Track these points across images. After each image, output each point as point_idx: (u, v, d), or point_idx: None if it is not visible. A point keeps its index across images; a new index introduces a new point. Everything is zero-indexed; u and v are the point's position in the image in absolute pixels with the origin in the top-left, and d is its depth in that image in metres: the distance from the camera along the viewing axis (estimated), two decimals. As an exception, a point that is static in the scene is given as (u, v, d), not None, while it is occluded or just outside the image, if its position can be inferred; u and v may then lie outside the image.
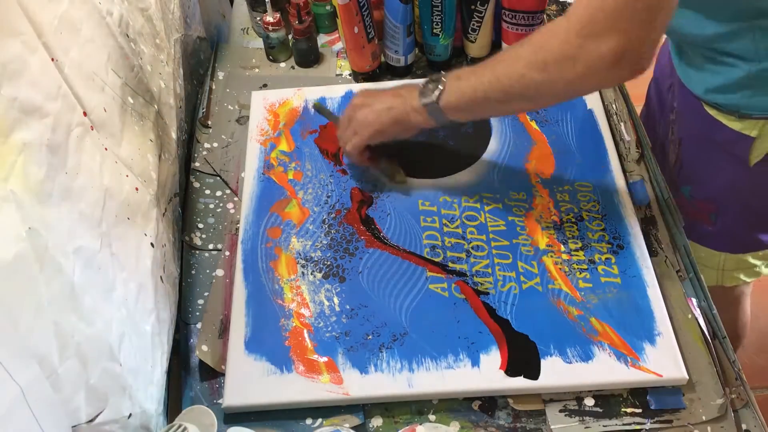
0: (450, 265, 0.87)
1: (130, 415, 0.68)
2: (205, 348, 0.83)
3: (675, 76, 0.98)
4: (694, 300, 0.84)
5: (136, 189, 0.76)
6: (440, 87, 0.82)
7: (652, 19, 0.67)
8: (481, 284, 0.85)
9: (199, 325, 0.85)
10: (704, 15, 0.83)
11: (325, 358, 0.80)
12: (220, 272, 0.90)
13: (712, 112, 0.91)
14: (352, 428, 0.76)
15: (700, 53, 0.89)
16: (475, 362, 0.79)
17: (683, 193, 1.02)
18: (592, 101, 1.04)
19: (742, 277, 1.10)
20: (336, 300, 0.85)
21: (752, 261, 1.07)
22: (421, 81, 0.85)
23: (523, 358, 0.79)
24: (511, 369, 0.78)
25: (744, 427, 0.75)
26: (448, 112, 0.83)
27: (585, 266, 0.86)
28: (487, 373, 0.78)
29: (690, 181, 1.01)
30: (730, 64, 0.85)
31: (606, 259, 0.87)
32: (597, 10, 0.68)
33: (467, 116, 0.86)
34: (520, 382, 0.77)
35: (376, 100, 0.89)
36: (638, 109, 1.10)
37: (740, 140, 0.90)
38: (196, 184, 1.00)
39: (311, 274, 0.88)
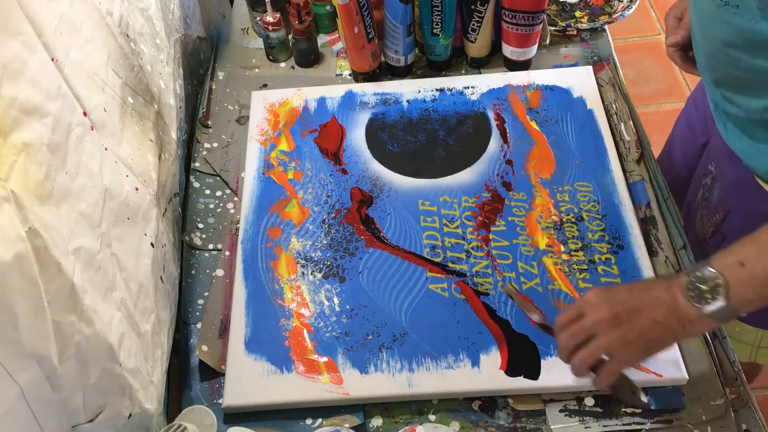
0: (450, 265, 0.87)
1: (130, 415, 0.68)
2: (205, 348, 0.83)
3: (716, 139, 0.90)
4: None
5: (136, 189, 0.76)
6: (719, 283, 0.65)
7: None
8: (481, 285, 0.85)
9: (199, 325, 0.85)
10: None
11: (325, 358, 0.80)
12: (220, 272, 0.90)
13: (766, 186, 0.82)
14: (352, 428, 0.76)
15: (762, 125, 0.79)
16: (475, 362, 0.79)
17: None
18: (592, 101, 1.04)
19: None
20: (336, 300, 0.85)
21: None
22: (676, 277, 0.68)
23: (523, 358, 0.79)
24: (511, 369, 0.78)
25: (744, 427, 0.75)
26: (741, 309, 0.66)
27: (585, 266, 0.86)
28: (487, 373, 0.78)
29: None
30: None
31: (606, 259, 0.87)
32: None
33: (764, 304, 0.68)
34: (520, 382, 0.77)
35: (633, 314, 0.69)
36: (639, 109, 1.09)
37: None
38: (196, 184, 1.00)
39: (311, 274, 0.88)
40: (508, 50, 1.09)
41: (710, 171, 0.95)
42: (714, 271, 0.65)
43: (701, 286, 0.66)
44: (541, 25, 1.06)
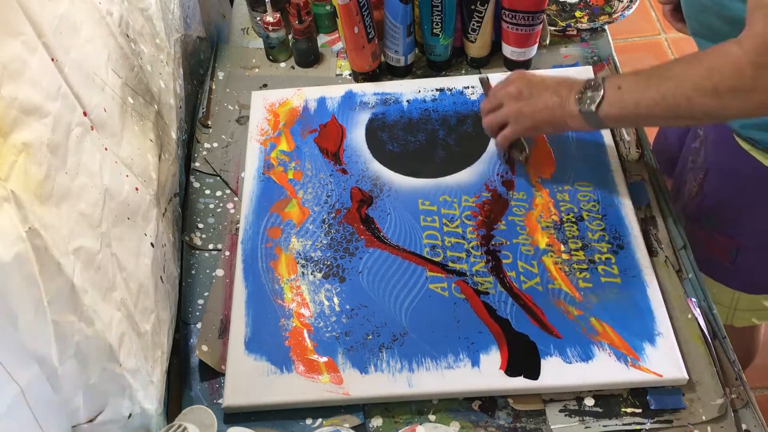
0: (450, 264, 0.87)
1: (130, 415, 0.68)
2: (205, 348, 0.83)
3: None
4: (694, 300, 0.84)
5: (136, 189, 0.76)
6: (600, 95, 0.80)
7: None
8: (481, 284, 0.85)
9: (199, 325, 0.85)
10: None
11: (325, 358, 0.80)
12: (220, 272, 0.90)
13: (746, 146, 0.88)
14: (352, 428, 0.76)
15: None
16: (475, 362, 0.79)
17: (705, 225, 0.99)
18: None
19: (753, 319, 1.06)
20: (336, 300, 0.85)
21: (766, 304, 1.03)
22: (579, 81, 0.83)
23: (523, 358, 0.79)
24: (511, 369, 0.78)
25: (744, 427, 0.75)
26: (605, 122, 0.82)
27: (585, 266, 0.86)
28: (487, 373, 0.78)
29: (714, 214, 0.97)
30: None
31: (606, 259, 0.87)
32: None
33: (624, 126, 0.90)
34: (520, 382, 0.77)
35: (534, 93, 0.87)
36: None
37: None
38: (196, 184, 1.00)
39: (311, 274, 0.88)
40: (508, 50, 1.09)
41: (699, 134, 0.98)
42: (600, 83, 0.80)
43: (587, 91, 0.81)
44: (541, 25, 1.06)
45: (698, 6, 0.82)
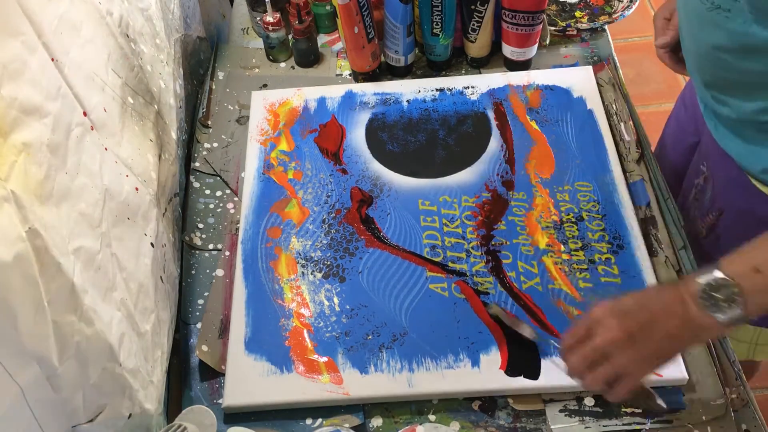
0: (450, 264, 0.87)
1: (130, 415, 0.68)
2: (205, 348, 0.83)
3: (707, 139, 0.90)
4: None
5: (136, 189, 0.76)
6: (733, 291, 0.63)
7: None
8: (481, 284, 0.85)
9: (199, 325, 0.85)
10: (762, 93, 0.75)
11: (325, 358, 0.80)
12: (220, 272, 0.90)
13: (761, 188, 0.82)
14: (352, 428, 0.76)
15: (754, 127, 0.79)
16: (475, 362, 0.79)
17: None
18: (592, 101, 1.03)
19: None
20: (336, 300, 0.85)
21: None
22: (686, 284, 0.65)
23: (523, 358, 0.79)
24: (511, 369, 0.78)
25: (744, 427, 0.75)
26: (755, 315, 0.65)
27: (585, 266, 0.86)
28: (487, 373, 0.78)
29: (723, 252, 0.93)
30: None
31: (606, 259, 0.87)
32: None
33: None
34: (520, 382, 0.78)
35: (645, 328, 0.66)
36: (639, 109, 1.09)
37: None
38: (196, 184, 1.00)
39: (311, 274, 0.88)
40: (508, 50, 1.09)
41: (702, 171, 0.95)
42: (728, 278, 0.63)
43: (716, 295, 0.63)
44: (541, 25, 1.06)
45: (716, 63, 0.75)
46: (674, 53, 0.95)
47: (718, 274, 0.63)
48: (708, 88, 0.82)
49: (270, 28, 1.11)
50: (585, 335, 0.69)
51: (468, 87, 1.07)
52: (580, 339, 0.69)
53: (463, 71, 1.13)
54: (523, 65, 1.10)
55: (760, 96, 0.75)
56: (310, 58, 1.15)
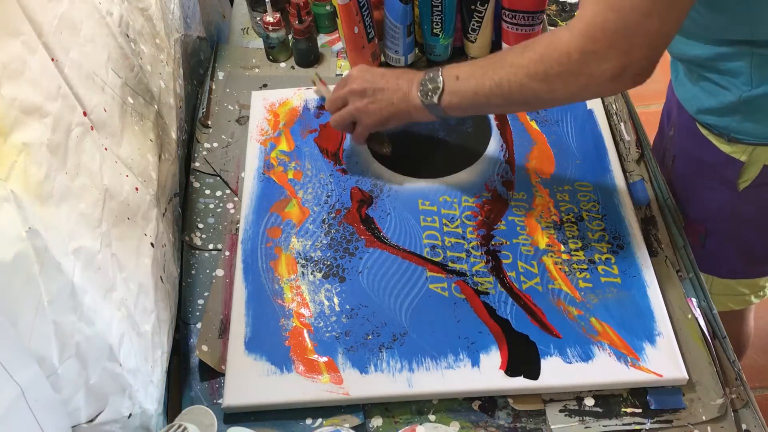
0: (450, 264, 0.87)
1: (130, 415, 0.68)
2: (205, 348, 0.83)
3: (672, 92, 0.97)
4: (694, 300, 0.84)
5: (136, 189, 0.76)
6: (440, 86, 0.82)
7: (652, 41, 0.68)
8: (481, 284, 0.85)
9: (199, 325, 0.85)
10: (700, 39, 0.83)
11: (325, 358, 0.80)
12: (220, 272, 0.90)
13: (704, 132, 0.90)
14: (352, 428, 0.76)
15: (695, 72, 0.88)
16: (475, 362, 0.79)
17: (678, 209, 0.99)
18: (592, 101, 1.04)
19: (729, 304, 1.08)
20: (336, 300, 0.85)
21: (740, 289, 1.05)
22: (418, 74, 0.85)
23: (523, 358, 0.79)
24: (511, 369, 0.78)
25: (744, 427, 0.75)
26: (449, 111, 0.84)
27: (585, 266, 0.86)
28: (487, 373, 0.78)
29: (680, 200, 0.99)
30: (723, 86, 0.84)
31: (606, 259, 0.87)
32: (598, 30, 0.68)
33: (467, 114, 0.93)
34: (520, 382, 0.77)
35: (378, 89, 0.88)
36: (639, 109, 1.09)
37: (730, 163, 0.89)
38: (196, 184, 1.00)
39: (311, 274, 0.88)
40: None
41: (673, 124, 1.00)
42: (440, 76, 0.82)
43: (428, 84, 0.83)
44: (541, 25, 1.06)
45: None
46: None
47: (438, 73, 0.83)
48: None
49: (270, 28, 1.11)
50: (341, 86, 0.93)
51: (468, 87, 1.07)
52: (339, 87, 0.93)
53: (463, 71, 1.13)
54: None
55: (705, 47, 0.82)
56: (310, 58, 1.15)
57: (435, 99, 0.82)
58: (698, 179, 0.96)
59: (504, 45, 1.09)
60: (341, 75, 1.13)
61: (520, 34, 1.05)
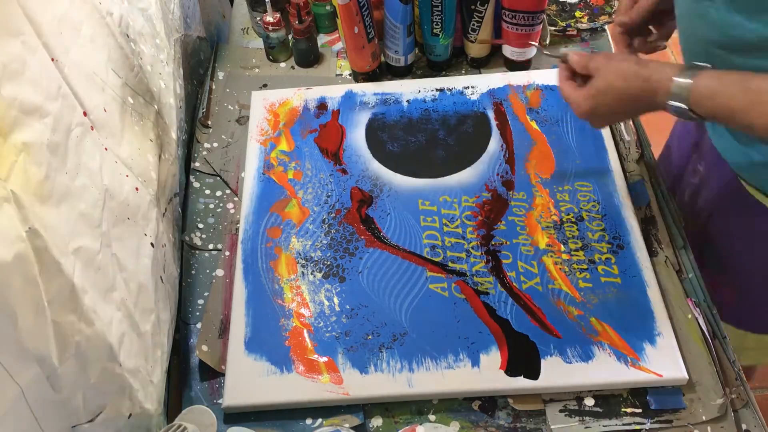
0: (450, 264, 0.87)
1: (130, 415, 0.68)
2: (205, 348, 0.83)
3: (703, 138, 0.91)
4: (694, 300, 0.84)
5: (136, 189, 0.76)
6: (688, 107, 0.71)
7: None
8: (481, 284, 0.85)
9: (199, 325, 0.85)
10: None
11: (325, 358, 0.80)
12: (220, 272, 0.90)
13: (751, 191, 0.83)
14: (352, 428, 0.76)
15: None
16: (475, 362, 0.79)
17: (709, 266, 0.93)
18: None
19: (762, 359, 1.04)
20: (336, 300, 0.85)
21: None
22: (663, 81, 0.73)
23: (523, 358, 0.79)
24: (511, 369, 0.78)
25: (744, 427, 0.76)
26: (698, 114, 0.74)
27: (585, 266, 0.86)
28: (487, 373, 0.78)
29: (715, 258, 0.94)
30: None
31: (606, 259, 0.87)
32: None
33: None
34: (520, 382, 0.77)
35: (611, 112, 0.79)
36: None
37: None
38: (196, 184, 1.00)
39: (311, 274, 0.88)
40: (509, 50, 1.09)
41: (699, 170, 0.95)
42: (690, 91, 0.71)
43: (677, 98, 0.72)
44: (541, 25, 1.06)
45: (707, 57, 0.75)
46: (628, 36, 0.89)
47: (688, 85, 0.71)
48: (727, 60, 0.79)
49: (270, 28, 1.11)
50: (582, 73, 0.81)
51: (468, 87, 1.07)
52: (580, 69, 0.82)
53: (463, 71, 1.13)
54: (523, 65, 1.10)
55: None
56: (310, 58, 1.15)
57: (687, 114, 0.72)
58: (740, 235, 0.91)
59: (504, 45, 1.09)
60: (341, 75, 1.13)
61: (521, 34, 1.05)
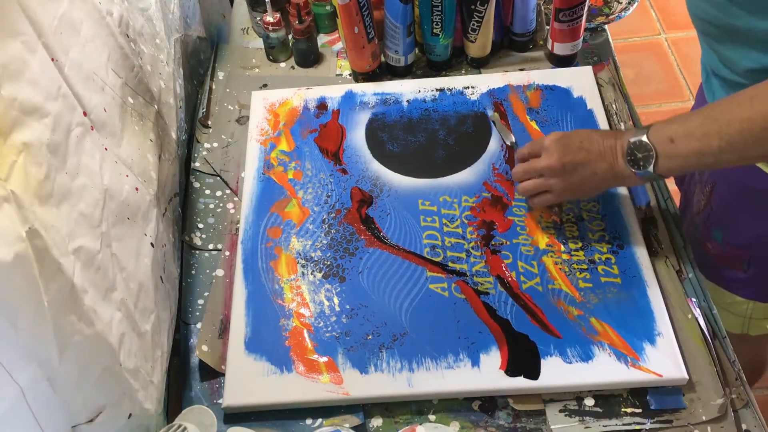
0: (450, 264, 0.87)
1: (130, 415, 0.68)
2: (205, 348, 0.83)
3: None
4: (694, 300, 0.84)
5: (136, 189, 0.76)
6: (651, 154, 0.76)
7: None
8: (481, 284, 0.85)
9: (199, 325, 0.85)
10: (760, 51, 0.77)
11: (325, 358, 0.80)
12: (220, 272, 0.90)
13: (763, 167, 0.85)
14: (352, 428, 0.76)
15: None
16: (475, 362, 0.79)
17: (715, 238, 0.96)
18: (592, 101, 1.03)
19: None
20: (336, 300, 0.85)
21: None
22: (620, 139, 0.79)
23: (523, 358, 0.79)
24: (511, 369, 0.78)
25: (744, 427, 0.75)
26: (666, 175, 0.79)
27: (585, 266, 0.86)
28: (487, 373, 0.78)
29: (722, 227, 0.95)
30: None
31: (606, 259, 0.87)
32: None
33: (692, 171, 0.86)
34: (520, 382, 0.77)
35: (577, 166, 0.82)
36: (639, 109, 1.09)
37: None
38: (196, 184, 1.00)
39: (311, 274, 0.88)
40: (560, 48, 1.08)
41: None
42: (648, 142, 0.76)
43: (638, 154, 0.77)
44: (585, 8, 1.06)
45: (725, 11, 0.78)
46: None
47: (644, 138, 0.76)
48: (718, 41, 0.82)
49: (270, 28, 1.11)
50: (533, 153, 0.86)
51: (468, 87, 1.07)
52: (529, 154, 0.87)
53: (463, 71, 1.13)
54: (568, 60, 1.10)
55: (759, 54, 0.77)
56: (310, 58, 1.15)
57: (650, 167, 0.76)
58: (743, 206, 0.92)
59: (556, 45, 1.08)
60: (341, 75, 1.13)
61: (574, 27, 1.05)
